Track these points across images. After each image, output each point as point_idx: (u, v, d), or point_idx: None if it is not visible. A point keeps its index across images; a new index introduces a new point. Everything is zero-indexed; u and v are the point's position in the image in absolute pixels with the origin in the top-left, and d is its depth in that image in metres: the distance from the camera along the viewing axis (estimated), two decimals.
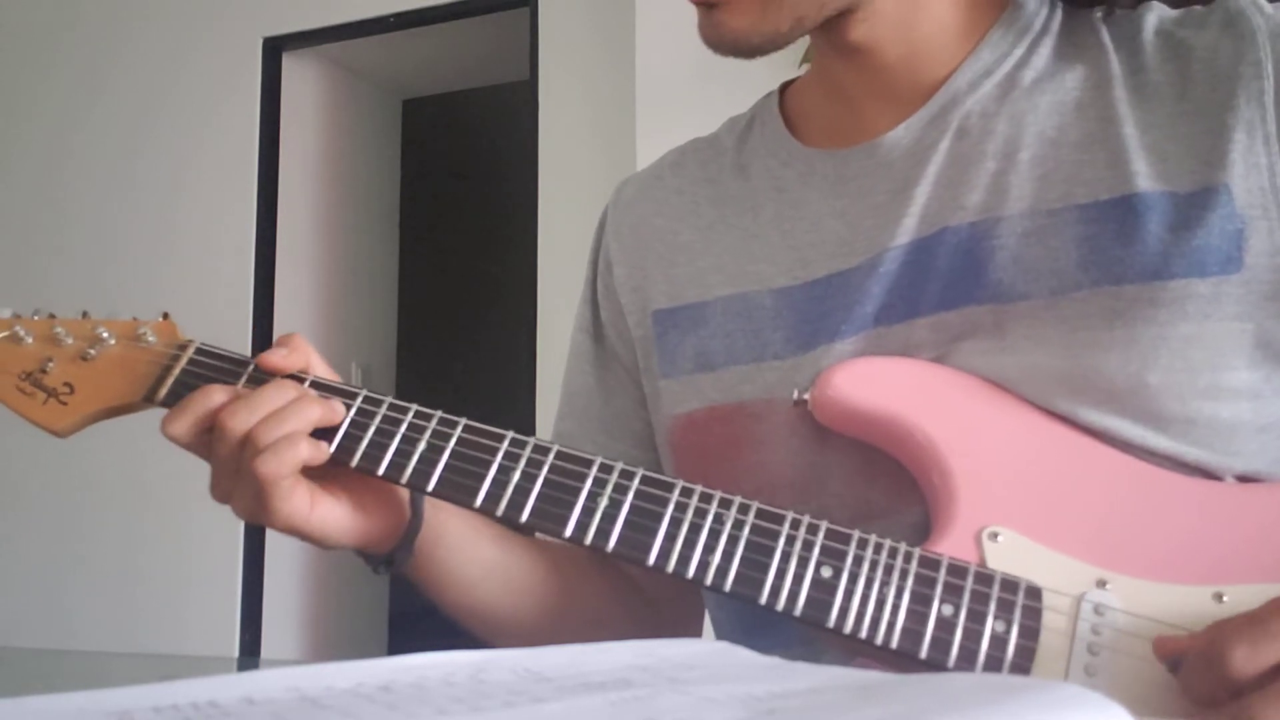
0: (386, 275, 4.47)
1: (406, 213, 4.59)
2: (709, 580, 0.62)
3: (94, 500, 3.84)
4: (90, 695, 0.36)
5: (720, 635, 0.80)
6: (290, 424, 0.66)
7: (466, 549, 0.75)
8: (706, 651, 0.45)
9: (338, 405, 0.68)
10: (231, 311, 3.75)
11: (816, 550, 0.61)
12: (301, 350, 0.71)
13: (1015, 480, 0.64)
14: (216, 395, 0.68)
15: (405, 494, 0.72)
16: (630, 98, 3.00)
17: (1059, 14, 0.75)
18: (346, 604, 4.11)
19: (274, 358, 0.70)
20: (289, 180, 3.94)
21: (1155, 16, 0.72)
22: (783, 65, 0.85)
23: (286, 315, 3.88)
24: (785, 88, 0.85)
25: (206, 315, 3.51)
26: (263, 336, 3.76)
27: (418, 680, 0.39)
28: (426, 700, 0.36)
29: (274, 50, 3.92)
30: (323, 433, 0.68)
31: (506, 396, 3.28)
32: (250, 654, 3.73)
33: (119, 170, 3.99)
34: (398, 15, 3.71)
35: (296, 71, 4.00)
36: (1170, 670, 0.56)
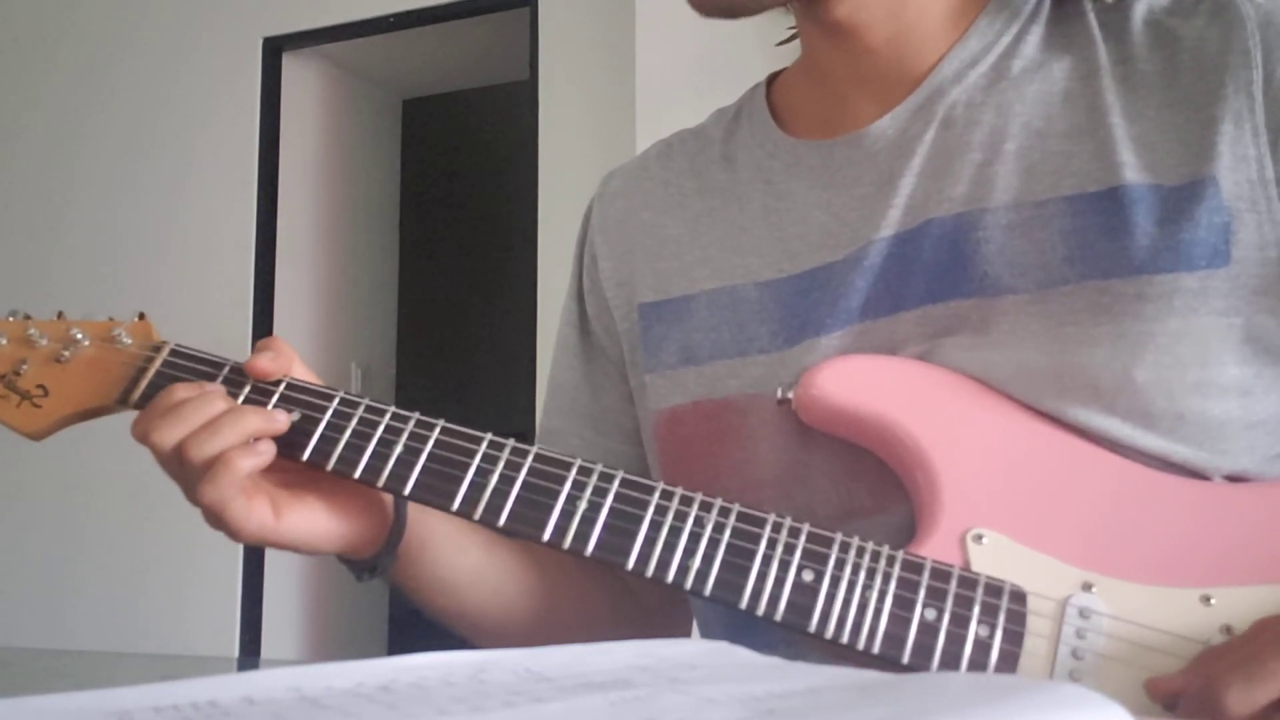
0: (386, 275, 4.47)
1: (406, 213, 4.59)
2: (689, 584, 0.61)
3: (94, 500, 3.84)
4: (90, 695, 0.36)
5: (706, 635, 0.79)
6: (222, 438, 0.64)
7: (451, 554, 0.74)
8: (706, 651, 0.44)
9: (278, 415, 0.66)
10: (231, 311, 3.75)
11: (798, 554, 0.61)
12: (284, 354, 0.70)
13: (1000, 481, 0.63)
14: (178, 394, 0.66)
15: (389, 498, 0.71)
16: (630, 98, 3.00)
17: (1047, 1, 0.74)
18: (346, 604, 4.11)
19: (261, 362, 0.69)
20: (289, 180, 3.94)
21: (1145, 5, 0.71)
22: (784, 63, 0.85)
23: (286, 315, 3.87)
24: (772, 80, 0.84)
25: (206, 315, 3.52)
26: (263, 337, 3.76)
27: (418, 680, 0.39)
28: (426, 700, 0.36)
29: (274, 50, 3.92)
30: (299, 435, 0.67)
31: (506, 397, 3.28)
32: (250, 654, 3.73)
33: (119, 170, 3.99)
34: (398, 15, 3.71)
35: (296, 71, 4.00)
36: (1166, 709, 0.55)
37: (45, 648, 3.71)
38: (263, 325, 3.80)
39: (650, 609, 0.83)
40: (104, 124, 4.03)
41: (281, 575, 3.84)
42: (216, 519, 0.65)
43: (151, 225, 3.93)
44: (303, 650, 3.92)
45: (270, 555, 3.79)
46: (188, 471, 0.65)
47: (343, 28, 3.84)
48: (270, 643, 3.76)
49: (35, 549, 3.95)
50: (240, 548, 3.73)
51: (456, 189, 5.58)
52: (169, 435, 0.65)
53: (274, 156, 3.91)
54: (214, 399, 0.66)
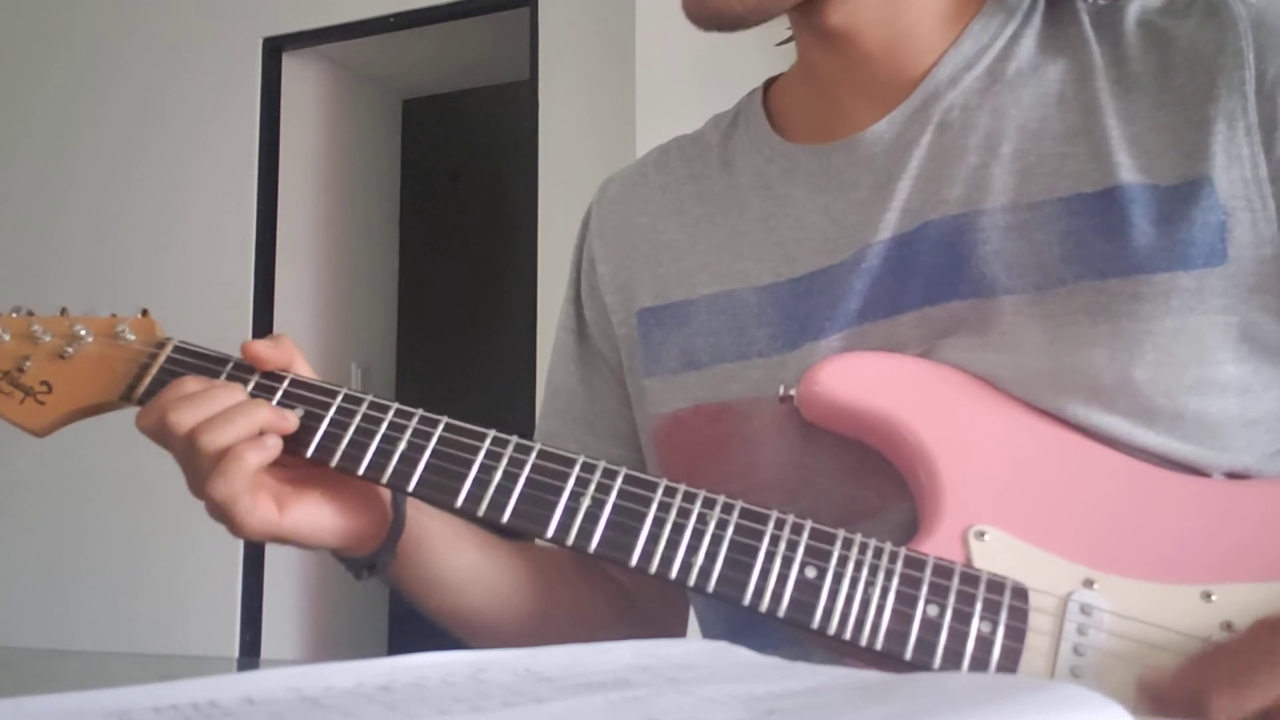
0: (386, 275, 4.47)
1: (406, 213, 4.59)
2: (692, 581, 0.61)
3: (94, 500, 3.84)
4: (90, 695, 0.36)
5: (707, 635, 0.79)
6: (235, 427, 0.65)
7: (449, 554, 0.74)
8: (706, 651, 0.45)
9: (289, 414, 0.67)
10: (231, 311, 3.75)
11: (801, 550, 0.61)
12: (286, 348, 0.70)
13: (1003, 478, 0.64)
14: (190, 386, 0.67)
15: (388, 496, 0.71)
16: (630, 98, 3.00)
17: (1041, 3, 0.75)
18: (346, 604, 4.11)
19: (259, 347, 0.69)
20: (289, 180, 3.94)
21: (1137, 6, 0.71)
22: (783, 63, 0.85)
23: (286, 315, 3.87)
24: (769, 85, 0.85)
25: (206, 315, 3.51)
26: (262, 336, 3.76)
27: (418, 680, 0.39)
28: (426, 700, 0.36)
29: (274, 50, 3.92)
30: (303, 432, 0.67)
31: (506, 396, 3.28)
32: (250, 654, 3.73)
33: (119, 170, 3.99)
34: (398, 15, 3.71)
35: (296, 71, 4.00)
36: (1154, 709, 0.55)
37: (45, 648, 3.71)
38: (263, 325, 3.80)
39: (648, 613, 0.83)
40: (104, 124, 4.03)
41: (281, 575, 3.84)
42: (223, 514, 0.65)
43: (151, 225, 3.93)
44: (303, 650, 3.92)
45: (270, 555, 3.79)
46: (198, 462, 0.65)
47: (343, 28, 3.84)
48: (270, 643, 3.76)
49: (34, 548, 3.95)
50: (240, 547, 3.73)
51: (456, 189, 5.58)
52: (182, 421, 0.65)
53: (274, 156, 3.91)
54: (224, 391, 0.66)
